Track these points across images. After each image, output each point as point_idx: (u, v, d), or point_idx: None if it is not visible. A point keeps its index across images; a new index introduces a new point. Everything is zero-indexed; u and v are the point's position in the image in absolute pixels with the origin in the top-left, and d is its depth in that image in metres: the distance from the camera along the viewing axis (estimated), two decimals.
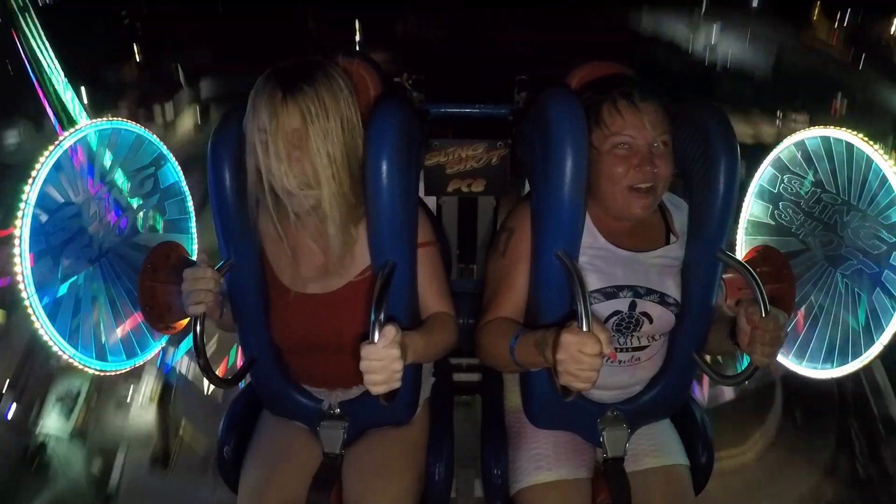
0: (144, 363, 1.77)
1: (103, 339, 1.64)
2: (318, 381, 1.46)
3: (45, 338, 1.44)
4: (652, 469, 1.46)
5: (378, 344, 1.05)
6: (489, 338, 1.32)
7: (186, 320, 1.56)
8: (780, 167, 1.89)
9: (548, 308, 1.30)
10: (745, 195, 2.00)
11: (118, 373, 1.66)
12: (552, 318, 1.27)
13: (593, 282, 1.33)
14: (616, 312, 1.35)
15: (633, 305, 1.36)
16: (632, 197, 1.28)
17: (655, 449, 1.49)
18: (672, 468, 1.46)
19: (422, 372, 1.52)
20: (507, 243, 1.38)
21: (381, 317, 1.09)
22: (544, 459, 1.45)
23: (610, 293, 1.34)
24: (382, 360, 1.06)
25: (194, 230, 1.98)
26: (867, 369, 1.63)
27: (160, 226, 1.87)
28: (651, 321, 1.37)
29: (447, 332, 1.35)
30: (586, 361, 1.01)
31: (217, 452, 1.53)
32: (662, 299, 1.36)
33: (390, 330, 1.07)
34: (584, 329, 1.02)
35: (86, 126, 1.54)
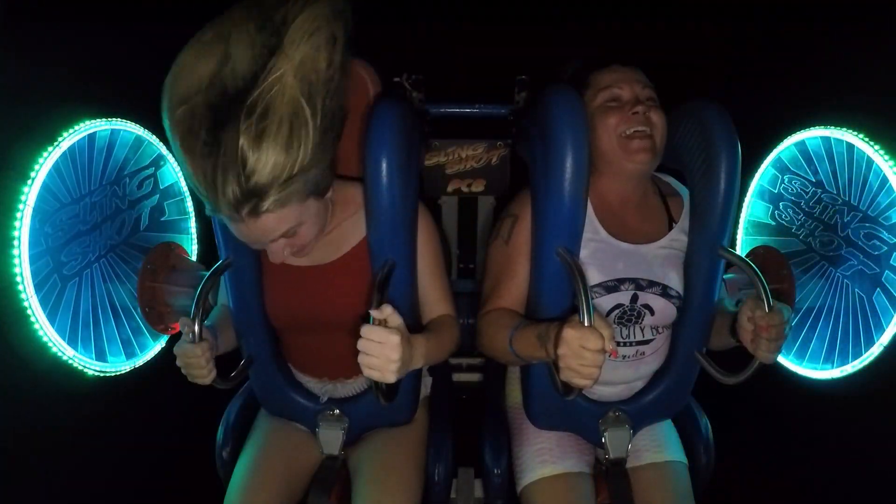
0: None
1: (103, 339, 1.64)
2: (316, 368, 1.45)
3: (45, 338, 1.44)
4: (651, 465, 1.46)
5: (373, 314, 1.04)
6: (490, 328, 1.32)
7: None
8: (781, 167, 1.89)
9: (549, 303, 1.29)
10: (745, 195, 2.00)
11: (118, 373, 1.66)
12: (553, 312, 1.27)
13: (594, 276, 1.33)
14: (618, 305, 1.35)
15: (634, 298, 1.35)
16: (631, 143, 1.29)
17: (655, 445, 1.49)
18: (671, 464, 1.46)
19: (421, 373, 1.52)
20: (511, 230, 1.37)
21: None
22: (548, 454, 1.45)
23: (611, 286, 1.34)
24: (380, 344, 1.04)
25: (193, 230, 1.98)
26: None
27: (159, 226, 1.87)
28: (653, 313, 1.37)
29: (452, 335, 1.34)
30: (588, 357, 1.01)
31: (216, 453, 1.52)
32: (665, 291, 1.36)
33: (386, 307, 1.05)
34: (586, 324, 1.02)
35: (85, 127, 1.54)
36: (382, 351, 1.04)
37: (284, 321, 1.38)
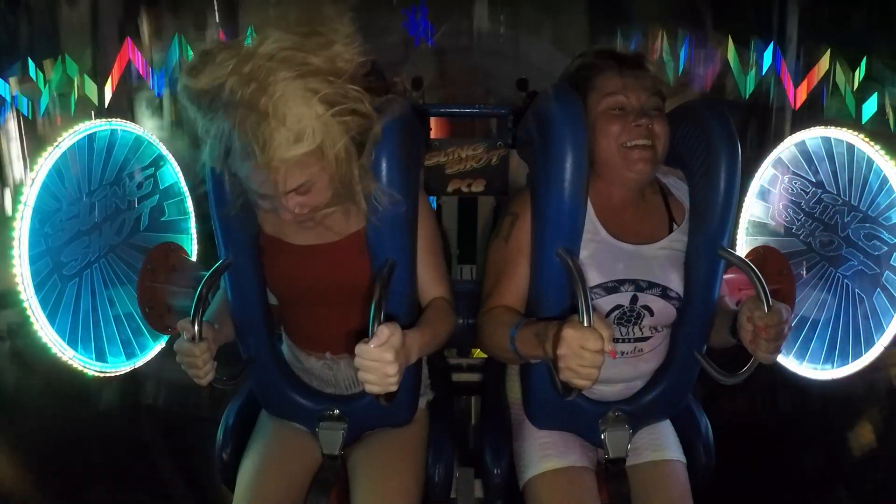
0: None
1: (103, 339, 1.65)
2: (318, 343, 1.43)
3: (45, 339, 1.44)
4: (649, 463, 1.46)
5: (371, 344, 1.05)
6: (490, 326, 1.32)
7: None
8: (781, 167, 1.89)
9: (549, 303, 1.29)
10: (745, 195, 2.00)
11: (118, 373, 1.66)
12: (553, 313, 1.27)
13: (594, 277, 1.32)
14: (617, 307, 1.35)
15: (634, 299, 1.35)
16: (631, 154, 1.28)
17: (654, 444, 1.48)
18: (669, 463, 1.46)
19: (421, 372, 1.52)
20: (510, 229, 1.37)
21: (381, 317, 1.09)
22: (552, 448, 1.44)
23: (611, 287, 1.34)
24: (376, 362, 1.05)
25: (193, 230, 1.98)
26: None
27: (159, 226, 1.87)
28: (652, 314, 1.36)
29: (448, 321, 1.35)
30: (587, 357, 1.01)
31: (216, 455, 1.52)
32: (665, 293, 1.36)
33: (383, 331, 1.06)
34: (586, 325, 1.02)
35: (85, 127, 1.54)
36: (378, 369, 1.05)
37: (286, 295, 1.38)
